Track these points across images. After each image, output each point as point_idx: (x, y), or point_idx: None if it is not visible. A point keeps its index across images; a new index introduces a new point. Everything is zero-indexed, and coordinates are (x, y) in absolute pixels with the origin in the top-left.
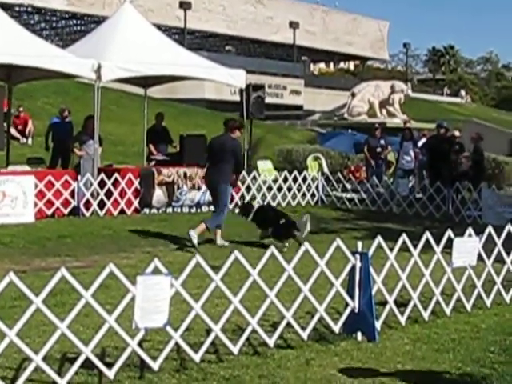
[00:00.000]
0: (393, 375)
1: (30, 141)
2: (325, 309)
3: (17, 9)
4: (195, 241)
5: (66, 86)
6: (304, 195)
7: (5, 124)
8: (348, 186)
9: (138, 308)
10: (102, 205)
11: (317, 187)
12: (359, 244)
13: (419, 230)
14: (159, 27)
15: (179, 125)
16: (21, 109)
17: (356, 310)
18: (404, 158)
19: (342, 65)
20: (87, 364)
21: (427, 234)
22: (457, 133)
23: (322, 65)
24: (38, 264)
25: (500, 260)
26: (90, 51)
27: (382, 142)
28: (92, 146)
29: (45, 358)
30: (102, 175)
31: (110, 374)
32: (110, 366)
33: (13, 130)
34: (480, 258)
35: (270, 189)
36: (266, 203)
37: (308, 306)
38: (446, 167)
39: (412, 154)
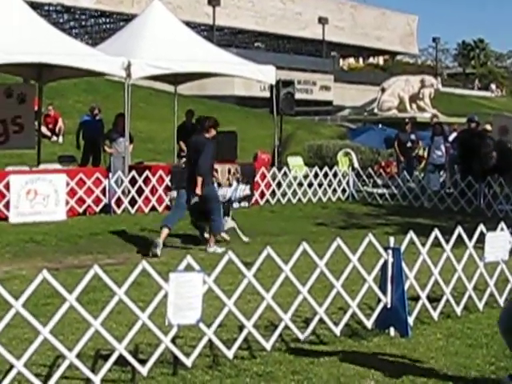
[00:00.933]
0: (426, 371)
1: (60, 139)
2: (357, 304)
3: (46, 8)
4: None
5: (96, 84)
6: (335, 191)
7: (36, 122)
8: (379, 182)
9: (171, 305)
10: (133, 202)
11: (347, 183)
12: (391, 239)
13: (451, 225)
14: (188, 24)
15: None
16: (50, 107)
17: (388, 306)
18: (435, 153)
19: (371, 60)
20: (121, 361)
21: (459, 229)
22: (488, 127)
23: (351, 60)
24: (71, 262)
25: None
26: (119, 49)
27: (413, 136)
28: (122, 144)
29: (78, 356)
30: (133, 173)
31: (144, 370)
32: (143, 362)
33: (43, 129)
34: None
35: (300, 185)
36: None
37: (340, 302)
38: (477, 161)
39: (443, 148)
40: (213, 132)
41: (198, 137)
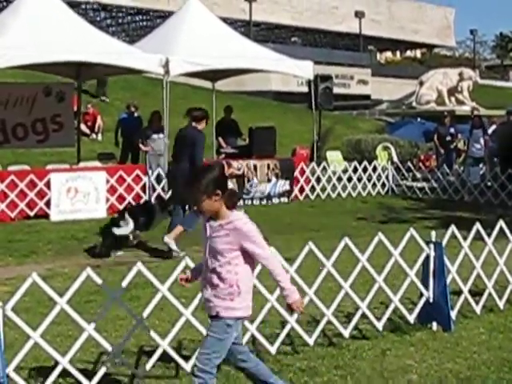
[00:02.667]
0: (469, 365)
1: (99, 137)
2: (399, 299)
3: (83, 6)
4: (173, 247)
5: (134, 81)
6: (374, 185)
7: (75, 121)
8: (418, 175)
9: None
10: None
11: (387, 177)
12: (433, 233)
13: (492, 219)
14: (225, 20)
15: (247, 117)
16: (89, 105)
17: (431, 300)
18: (474, 146)
19: (408, 53)
20: (164, 357)
21: (501, 222)
22: None
23: (388, 53)
24: (112, 258)
25: None
26: (157, 46)
27: (452, 130)
28: (157, 141)
29: (122, 352)
30: None
31: (187, 366)
32: (186, 358)
33: (83, 126)
34: None
35: (339, 179)
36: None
37: (382, 297)
38: None
39: (482, 141)
40: (203, 124)
41: (190, 130)
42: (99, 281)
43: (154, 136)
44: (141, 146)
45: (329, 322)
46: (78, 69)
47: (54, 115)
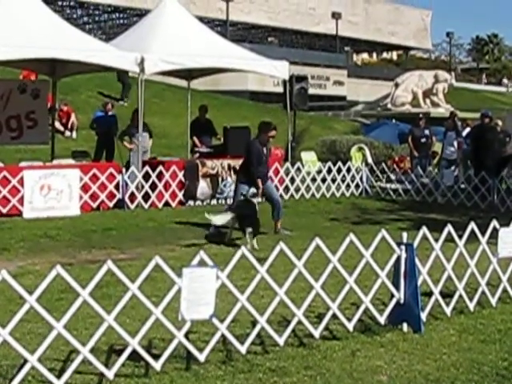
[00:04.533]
0: (438, 366)
1: (74, 134)
2: (370, 300)
3: (60, 3)
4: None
5: (110, 79)
6: (348, 186)
7: (49, 118)
8: (392, 177)
9: (184, 300)
10: (146, 197)
11: (361, 178)
12: (404, 235)
13: (464, 221)
14: (201, 19)
15: (223, 117)
16: (63, 103)
17: (401, 301)
18: (448, 148)
19: (384, 55)
20: (134, 356)
21: (472, 225)
22: (499, 122)
23: (364, 55)
24: (84, 257)
25: None
26: (133, 44)
27: (427, 132)
28: (143, 138)
29: (92, 350)
30: (147, 168)
31: (157, 365)
32: (156, 357)
33: (57, 124)
34: None
35: (313, 180)
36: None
37: (353, 298)
38: (491, 157)
39: (456, 143)
40: None
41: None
42: (69, 279)
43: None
44: (125, 143)
45: (299, 323)
46: (53, 66)
47: (29, 112)
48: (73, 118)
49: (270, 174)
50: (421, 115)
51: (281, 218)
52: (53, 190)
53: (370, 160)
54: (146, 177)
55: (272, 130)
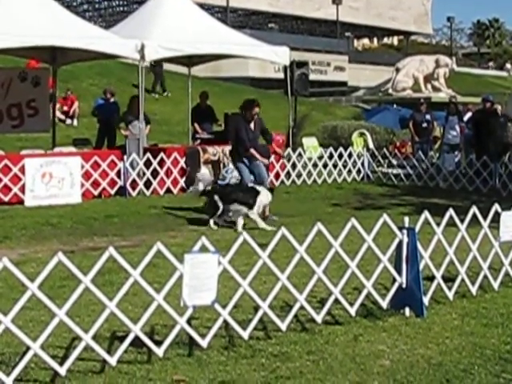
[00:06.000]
0: (441, 350)
1: (75, 122)
2: (372, 284)
3: None
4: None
5: (110, 66)
6: (350, 171)
7: (50, 106)
8: (394, 162)
9: (186, 286)
10: (148, 184)
11: (362, 163)
12: (406, 219)
13: (466, 205)
14: (202, 6)
15: (224, 103)
16: (69, 92)
17: (403, 286)
18: (450, 133)
19: (385, 40)
20: (136, 342)
21: (474, 209)
22: (499, 107)
23: (365, 40)
24: (86, 244)
25: None
26: (133, 31)
27: (428, 116)
28: (137, 127)
29: (94, 337)
30: (148, 155)
31: (159, 351)
32: (159, 343)
33: (58, 112)
34: None
35: (315, 166)
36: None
37: (355, 282)
38: (493, 141)
39: (458, 128)
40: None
41: None
42: (71, 266)
43: (135, 121)
44: (121, 130)
45: (301, 308)
46: (54, 53)
47: (30, 100)
48: (75, 105)
49: (272, 160)
50: (421, 100)
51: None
52: (54, 178)
53: (371, 145)
54: (148, 164)
55: (255, 106)
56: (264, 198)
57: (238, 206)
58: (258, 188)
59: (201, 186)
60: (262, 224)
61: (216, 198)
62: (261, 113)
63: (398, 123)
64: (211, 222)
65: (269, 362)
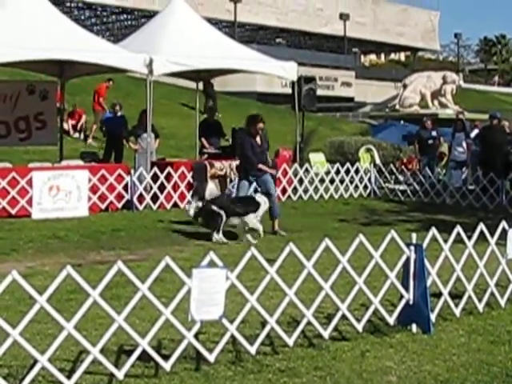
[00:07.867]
0: (448, 367)
1: (82, 136)
2: (379, 301)
3: (68, 4)
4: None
5: (118, 80)
6: (356, 187)
7: (58, 119)
8: (401, 178)
9: (194, 301)
10: (155, 198)
11: (369, 179)
12: (413, 236)
13: (473, 222)
14: (209, 21)
15: (231, 118)
16: (76, 106)
17: (411, 302)
18: (456, 150)
19: (392, 56)
20: (144, 356)
21: (481, 226)
22: (506, 123)
23: (372, 56)
24: (93, 258)
25: None
26: (141, 46)
27: (434, 133)
28: (147, 140)
29: (102, 351)
30: (155, 169)
31: (167, 366)
32: (166, 358)
33: (66, 126)
34: None
35: (322, 181)
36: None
37: (362, 298)
38: (499, 158)
39: (464, 145)
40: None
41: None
42: (79, 279)
43: (145, 135)
44: (130, 144)
45: (309, 323)
46: (62, 67)
47: (38, 113)
48: (83, 120)
49: (279, 175)
50: (425, 118)
51: (278, 218)
52: (61, 191)
53: (378, 161)
54: (155, 178)
55: (259, 122)
56: (263, 205)
57: (237, 219)
58: (258, 199)
59: (191, 211)
60: (256, 224)
61: (214, 207)
62: (265, 128)
63: (404, 139)
64: (220, 234)
65: (276, 377)
